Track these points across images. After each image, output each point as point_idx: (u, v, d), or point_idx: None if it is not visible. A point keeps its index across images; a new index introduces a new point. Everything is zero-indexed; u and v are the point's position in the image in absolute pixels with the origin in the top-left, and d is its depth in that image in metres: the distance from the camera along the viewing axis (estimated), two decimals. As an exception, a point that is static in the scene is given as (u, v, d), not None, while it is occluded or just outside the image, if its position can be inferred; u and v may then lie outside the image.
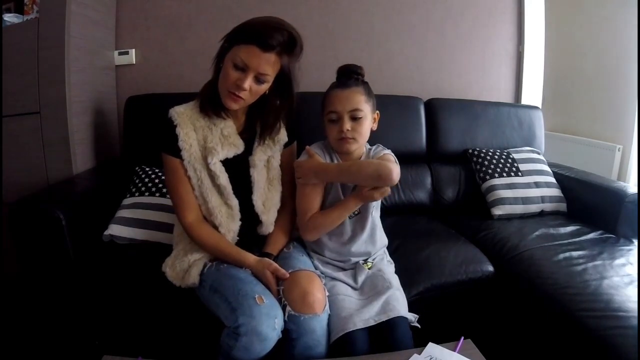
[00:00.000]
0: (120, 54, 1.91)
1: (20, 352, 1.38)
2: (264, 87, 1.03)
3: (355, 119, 1.09)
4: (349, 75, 1.12)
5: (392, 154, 1.17)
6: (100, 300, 1.19)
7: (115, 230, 1.37)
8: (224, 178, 1.07)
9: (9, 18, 1.55)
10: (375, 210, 1.19)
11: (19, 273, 1.32)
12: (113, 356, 0.88)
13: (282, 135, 1.17)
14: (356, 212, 1.16)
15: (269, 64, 0.98)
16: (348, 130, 1.08)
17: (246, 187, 1.12)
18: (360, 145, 1.15)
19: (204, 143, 1.06)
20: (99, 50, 1.80)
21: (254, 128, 1.14)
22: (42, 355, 1.35)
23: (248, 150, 1.12)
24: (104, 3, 1.79)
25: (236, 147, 1.09)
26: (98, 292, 1.20)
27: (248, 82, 0.98)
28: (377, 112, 1.16)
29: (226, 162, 1.08)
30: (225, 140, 1.07)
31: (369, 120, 1.12)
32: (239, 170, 1.10)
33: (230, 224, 1.09)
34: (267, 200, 1.15)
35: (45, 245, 1.25)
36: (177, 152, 1.05)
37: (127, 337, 1.19)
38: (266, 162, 1.15)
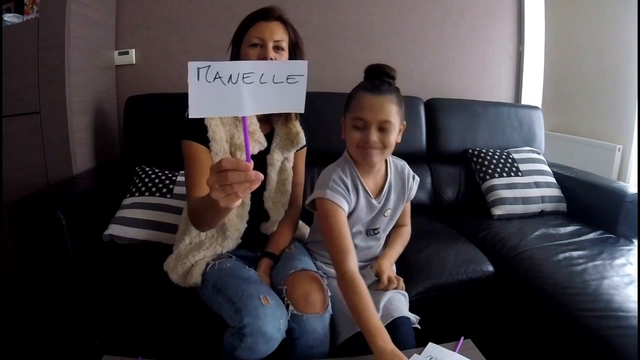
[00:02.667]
0: (120, 54, 1.91)
1: (21, 351, 1.38)
2: (285, 55, 1.10)
3: (383, 130, 0.99)
4: (380, 78, 1.01)
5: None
6: (100, 301, 1.19)
7: (115, 230, 1.37)
8: None
9: (9, 18, 1.55)
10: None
11: (19, 273, 1.32)
12: (113, 356, 0.88)
13: (301, 139, 1.19)
14: (375, 232, 1.13)
15: (279, 30, 1.08)
16: (375, 141, 0.99)
17: (259, 186, 1.12)
18: (383, 158, 1.07)
19: (231, 140, 1.09)
20: (99, 50, 1.80)
21: (272, 125, 1.17)
22: (42, 355, 1.35)
23: (266, 149, 1.14)
24: (104, 3, 1.79)
25: (260, 143, 1.11)
26: (98, 292, 1.20)
27: (271, 52, 1.06)
28: (404, 123, 1.05)
29: None
30: (251, 137, 1.10)
31: (396, 131, 1.01)
32: (256, 168, 1.10)
33: (238, 224, 1.11)
34: (276, 199, 1.17)
35: (46, 245, 1.25)
36: (204, 141, 1.06)
37: (127, 337, 1.19)
38: (280, 163, 1.17)
